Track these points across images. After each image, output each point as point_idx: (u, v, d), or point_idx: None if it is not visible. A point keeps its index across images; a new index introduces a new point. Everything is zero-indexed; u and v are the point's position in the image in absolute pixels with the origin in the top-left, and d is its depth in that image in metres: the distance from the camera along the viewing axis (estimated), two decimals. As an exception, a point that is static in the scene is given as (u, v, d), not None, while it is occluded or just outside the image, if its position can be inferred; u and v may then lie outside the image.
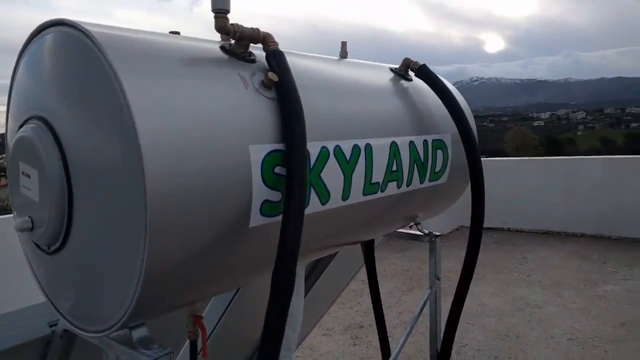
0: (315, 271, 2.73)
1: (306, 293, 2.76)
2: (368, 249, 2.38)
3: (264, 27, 1.26)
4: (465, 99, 2.17)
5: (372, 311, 5.11)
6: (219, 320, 2.37)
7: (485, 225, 7.78)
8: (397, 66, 1.91)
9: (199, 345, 1.55)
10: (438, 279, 2.23)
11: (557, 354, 4.23)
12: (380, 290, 6.66)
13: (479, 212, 1.89)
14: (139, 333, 1.13)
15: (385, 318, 5.31)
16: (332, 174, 1.33)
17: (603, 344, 4.33)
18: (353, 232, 1.68)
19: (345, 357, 4.48)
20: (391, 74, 1.87)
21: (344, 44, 1.83)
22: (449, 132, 1.90)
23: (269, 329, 1.10)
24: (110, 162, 0.99)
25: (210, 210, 1.06)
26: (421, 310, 2.19)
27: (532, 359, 4.17)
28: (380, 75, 1.81)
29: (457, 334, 5.06)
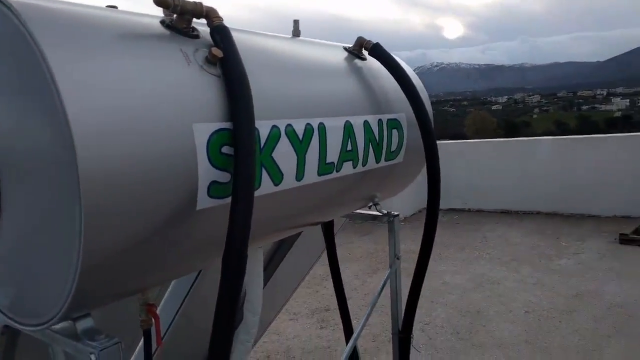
0: (277, 255, 2.71)
1: (269, 277, 2.75)
2: (328, 230, 2.38)
3: (223, 13, 1.21)
4: (426, 83, 2.17)
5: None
6: (179, 308, 2.32)
7: (447, 207, 8.07)
8: (350, 45, 1.89)
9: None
10: (398, 258, 2.26)
11: (515, 326, 4.40)
12: (346, 273, 6.73)
13: (435, 191, 1.90)
14: (83, 324, 1.08)
15: (352, 300, 5.37)
16: (284, 154, 1.30)
17: (558, 315, 4.54)
18: (310, 213, 1.66)
19: (313, 340, 4.51)
20: (345, 53, 1.85)
21: (296, 22, 1.79)
22: (403, 111, 1.90)
23: (220, 313, 1.07)
24: (39, 145, 0.92)
25: (153, 194, 1.01)
26: (382, 289, 2.22)
27: (492, 332, 4.32)
28: (334, 54, 1.78)
29: (421, 312, 5.18)
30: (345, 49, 1.88)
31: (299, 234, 2.56)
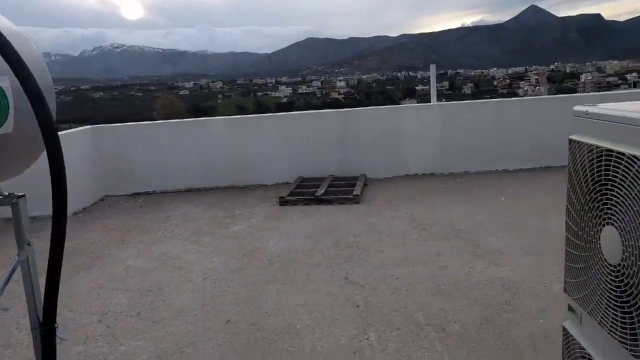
0: None
1: None
2: None
3: None
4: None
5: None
6: None
7: (131, 192, 7.83)
8: None
9: None
10: (29, 244, 2.00)
11: (194, 294, 4.66)
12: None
13: (58, 167, 1.72)
14: None
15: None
16: None
17: (230, 275, 5.05)
18: None
19: None
20: None
21: None
22: (6, 74, 1.65)
23: None
24: None
25: None
26: (7, 280, 1.93)
27: (172, 305, 4.45)
28: None
29: (98, 302, 4.84)
30: None
31: None
